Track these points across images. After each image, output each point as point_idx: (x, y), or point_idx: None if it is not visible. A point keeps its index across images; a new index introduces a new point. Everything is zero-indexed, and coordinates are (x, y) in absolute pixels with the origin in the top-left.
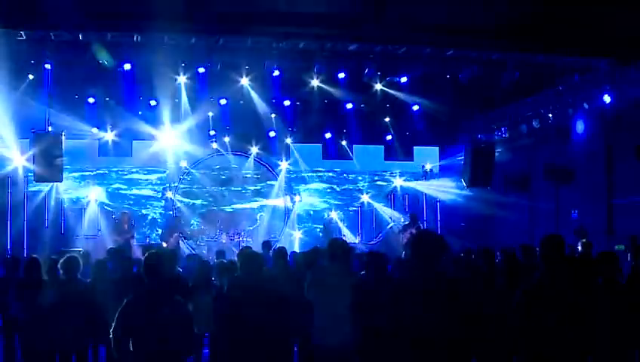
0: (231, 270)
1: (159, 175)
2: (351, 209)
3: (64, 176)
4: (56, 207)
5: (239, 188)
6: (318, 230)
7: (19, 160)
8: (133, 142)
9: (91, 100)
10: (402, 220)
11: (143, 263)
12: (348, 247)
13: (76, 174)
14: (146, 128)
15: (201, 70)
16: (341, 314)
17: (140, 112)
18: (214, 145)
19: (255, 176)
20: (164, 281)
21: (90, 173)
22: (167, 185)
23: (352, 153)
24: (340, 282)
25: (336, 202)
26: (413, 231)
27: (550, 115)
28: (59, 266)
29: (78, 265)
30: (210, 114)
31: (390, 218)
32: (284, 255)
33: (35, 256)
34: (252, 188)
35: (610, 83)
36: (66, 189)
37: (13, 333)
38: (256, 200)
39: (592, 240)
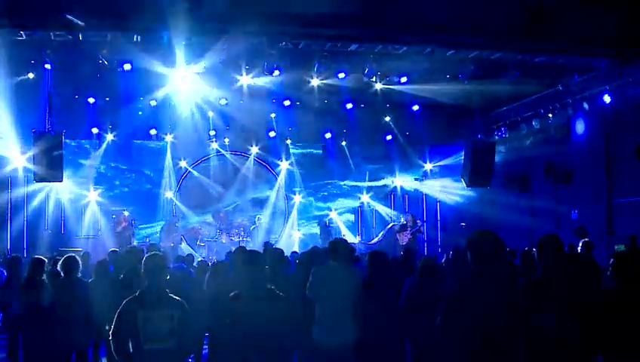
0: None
1: (159, 175)
2: (351, 209)
3: (64, 176)
4: (56, 207)
5: (239, 189)
6: (317, 230)
7: (19, 160)
8: (133, 142)
9: (91, 100)
10: (402, 220)
11: (143, 264)
12: (349, 247)
13: (76, 174)
14: (145, 128)
15: (201, 70)
16: (342, 313)
17: (140, 112)
18: (214, 145)
19: (255, 176)
20: (164, 282)
21: (90, 172)
22: (167, 185)
23: (352, 153)
24: (341, 281)
25: (335, 202)
26: (414, 231)
27: (550, 115)
28: (58, 266)
29: (77, 264)
30: (211, 114)
31: (390, 218)
32: (280, 255)
33: (39, 256)
34: (252, 188)
35: (610, 83)
36: (65, 189)
37: (16, 332)
38: (255, 201)
39: (592, 240)
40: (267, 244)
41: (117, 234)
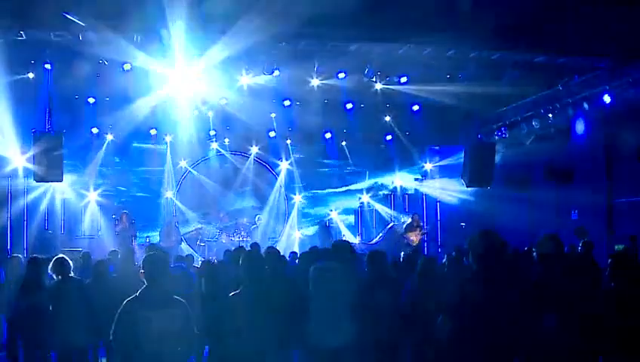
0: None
1: (159, 175)
2: (351, 209)
3: (64, 176)
4: (56, 207)
5: (239, 189)
6: (314, 231)
7: (19, 160)
8: (133, 142)
9: (91, 100)
10: (402, 220)
11: (143, 264)
12: (351, 249)
13: (76, 174)
14: (145, 128)
15: (201, 70)
16: (340, 312)
17: (140, 112)
18: (214, 145)
19: (255, 176)
20: (165, 282)
21: (90, 173)
22: (167, 185)
23: (352, 153)
24: (339, 281)
25: (335, 202)
26: (419, 231)
27: (550, 115)
28: (50, 267)
29: (68, 264)
30: (210, 114)
31: (390, 218)
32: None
33: (37, 256)
34: (252, 188)
35: (610, 83)
36: (65, 189)
37: (15, 333)
38: (256, 201)
39: (592, 240)
40: (255, 246)
41: (117, 235)
